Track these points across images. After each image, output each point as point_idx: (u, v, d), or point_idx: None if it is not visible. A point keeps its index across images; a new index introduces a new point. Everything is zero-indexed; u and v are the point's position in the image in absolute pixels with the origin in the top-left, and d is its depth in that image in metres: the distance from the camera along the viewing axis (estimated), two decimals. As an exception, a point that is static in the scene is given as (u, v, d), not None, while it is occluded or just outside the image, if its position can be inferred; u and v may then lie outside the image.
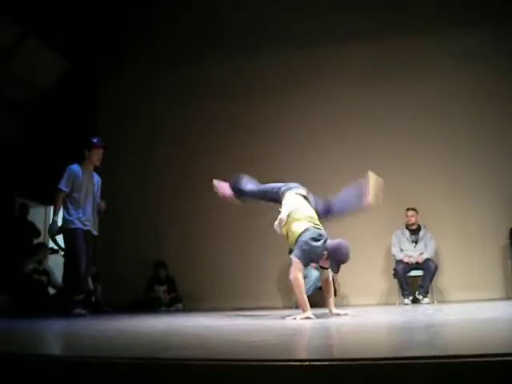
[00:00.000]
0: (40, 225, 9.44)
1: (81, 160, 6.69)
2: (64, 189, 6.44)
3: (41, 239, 9.18)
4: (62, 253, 9.10)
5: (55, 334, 3.86)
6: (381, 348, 2.19)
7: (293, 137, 9.25)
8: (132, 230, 9.72)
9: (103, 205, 6.85)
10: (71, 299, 6.30)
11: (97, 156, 6.73)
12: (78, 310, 6.20)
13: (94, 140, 6.79)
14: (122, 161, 9.93)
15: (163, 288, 8.91)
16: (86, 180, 6.62)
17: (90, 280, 8.76)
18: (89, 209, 6.63)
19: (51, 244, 9.21)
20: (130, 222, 9.75)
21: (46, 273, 8.45)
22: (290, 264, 6.95)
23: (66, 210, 6.47)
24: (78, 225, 6.43)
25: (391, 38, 8.99)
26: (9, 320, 5.93)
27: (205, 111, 9.63)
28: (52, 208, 6.74)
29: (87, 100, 10.02)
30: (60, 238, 9.18)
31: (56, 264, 8.99)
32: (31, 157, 9.23)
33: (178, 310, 8.52)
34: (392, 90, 8.93)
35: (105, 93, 10.35)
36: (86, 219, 6.56)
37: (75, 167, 6.59)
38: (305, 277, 7.97)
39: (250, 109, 9.46)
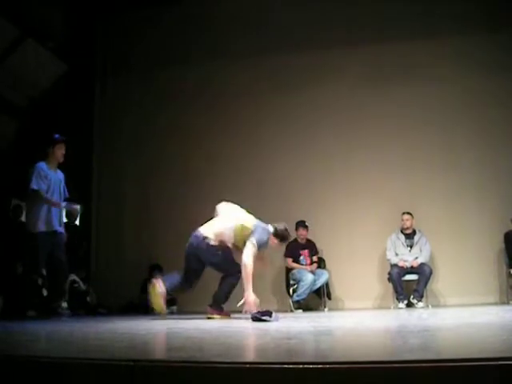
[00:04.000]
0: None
1: (44, 158, 6.59)
2: (43, 187, 6.35)
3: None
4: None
5: (48, 336, 3.85)
6: (376, 352, 2.20)
7: (291, 137, 9.23)
8: (128, 232, 9.71)
9: (77, 209, 6.80)
10: (28, 301, 6.35)
11: (60, 152, 6.66)
12: (32, 312, 6.27)
13: (56, 136, 6.74)
14: (119, 163, 9.93)
15: (158, 290, 8.88)
16: (53, 178, 6.55)
17: (79, 281, 8.77)
18: (56, 209, 6.57)
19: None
20: (125, 223, 9.74)
21: (40, 274, 8.42)
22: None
23: (31, 212, 6.41)
24: (43, 228, 6.36)
25: (393, 41, 9.00)
26: (2, 321, 5.90)
27: (206, 114, 9.57)
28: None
29: (84, 102, 9.99)
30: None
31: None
32: (27, 158, 9.20)
33: (172, 313, 8.50)
34: (389, 94, 8.93)
35: (102, 94, 10.35)
36: (54, 219, 6.48)
37: (42, 165, 6.49)
38: (300, 280, 8.01)
39: (251, 109, 9.44)
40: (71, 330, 4.21)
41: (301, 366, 1.60)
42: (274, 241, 5.80)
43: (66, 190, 6.81)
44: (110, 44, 10.44)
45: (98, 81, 10.41)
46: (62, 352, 2.61)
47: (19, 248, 8.58)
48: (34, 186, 6.34)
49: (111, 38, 10.45)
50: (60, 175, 6.75)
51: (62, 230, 6.64)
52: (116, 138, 10.02)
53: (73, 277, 8.29)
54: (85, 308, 8.39)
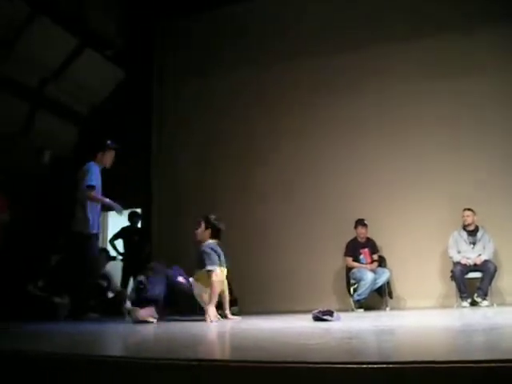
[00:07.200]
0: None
1: (93, 159, 6.62)
2: (95, 184, 6.38)
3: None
4: (120, 257, 9.36)
5: (109, 337, 3.93)
6: (440, 351, 2.16)
7: (342, 136, 9.16)
8: (188, 235, 9.82)
9: (121, 209, 6.72)
10: (85, 303, 6.41)
11: (110, 158, 6.71)
12: (93, 315, 6.40)
13: (109, 142, 6.77)
14: (178, 167, 10.06)
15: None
16: (100, 181, 6.60)
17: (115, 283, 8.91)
18: (100, 210, 6.66)
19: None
20: (185, 226, 9.85)
21: (106, 277, 8.62)
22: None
23: (84, 212, 6.39)
24: (91, 229, 6.41)
25: (432, 37, 8.84)
26: (70, 323, 6.06)
27: (270, 114, 9.60)
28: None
29: (143, 107, 10.17)
30: (119, 244, 9.45)
31: (114, 269, 9.20)
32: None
33: (233, 314, 8.54)
34: (441, 90, 8.75)
35: (160, 99, 10.51)
36: (98, 221, 6.59)
37: (94, 165, 6.53)
38: (360, 279, 7.95)
39: (300, 109, 9.44)
40: (131, 331, 4.29)
41: (363, 365, 1.60)
42: None
43: None
44: (167, 49, 10.60)
45: (156, 86, 10.58)
46: (124, 352, 2.67)
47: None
48: (91, 182, 6.35)
49: (168, 43, 10.60)
50: None
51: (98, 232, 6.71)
52: (174, 143, 10.15)
53: (141, 278, 8.39)
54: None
